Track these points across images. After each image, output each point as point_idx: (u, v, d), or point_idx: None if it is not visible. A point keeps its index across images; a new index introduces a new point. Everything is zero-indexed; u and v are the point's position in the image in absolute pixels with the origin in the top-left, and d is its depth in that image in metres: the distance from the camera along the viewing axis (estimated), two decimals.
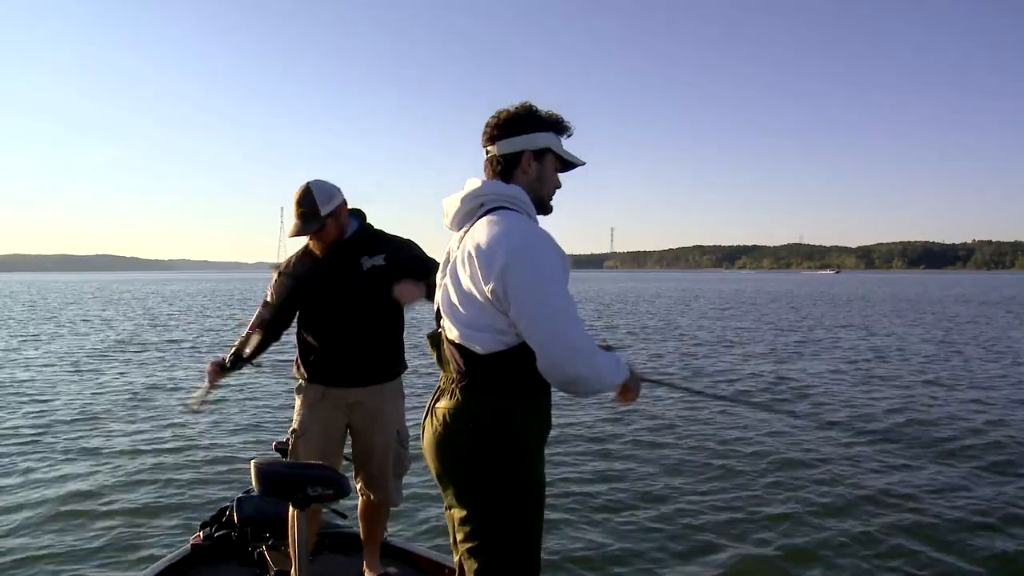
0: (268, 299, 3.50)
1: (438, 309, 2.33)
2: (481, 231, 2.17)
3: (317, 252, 3.40)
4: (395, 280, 3.27)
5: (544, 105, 2.37)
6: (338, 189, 3.32)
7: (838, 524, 5.40)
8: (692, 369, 13.80)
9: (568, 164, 2.39)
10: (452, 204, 2.32)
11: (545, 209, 2.36)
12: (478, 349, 2.16)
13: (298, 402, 3.47)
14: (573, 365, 2.07)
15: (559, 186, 2.38)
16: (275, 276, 3.54)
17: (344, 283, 3.34)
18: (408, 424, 3.54)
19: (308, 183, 3.26)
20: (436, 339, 2.32)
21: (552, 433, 2.34)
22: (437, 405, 2.27)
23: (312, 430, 3.40)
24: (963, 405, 9.91)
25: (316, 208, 3.20)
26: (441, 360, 2.30)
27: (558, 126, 2.33)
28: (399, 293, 3.22)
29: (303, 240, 3.46)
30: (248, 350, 3.49)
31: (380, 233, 3.46)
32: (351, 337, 3.36)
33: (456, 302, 2.20)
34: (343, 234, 3.34)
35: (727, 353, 16.27)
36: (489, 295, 2.10)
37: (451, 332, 2.23)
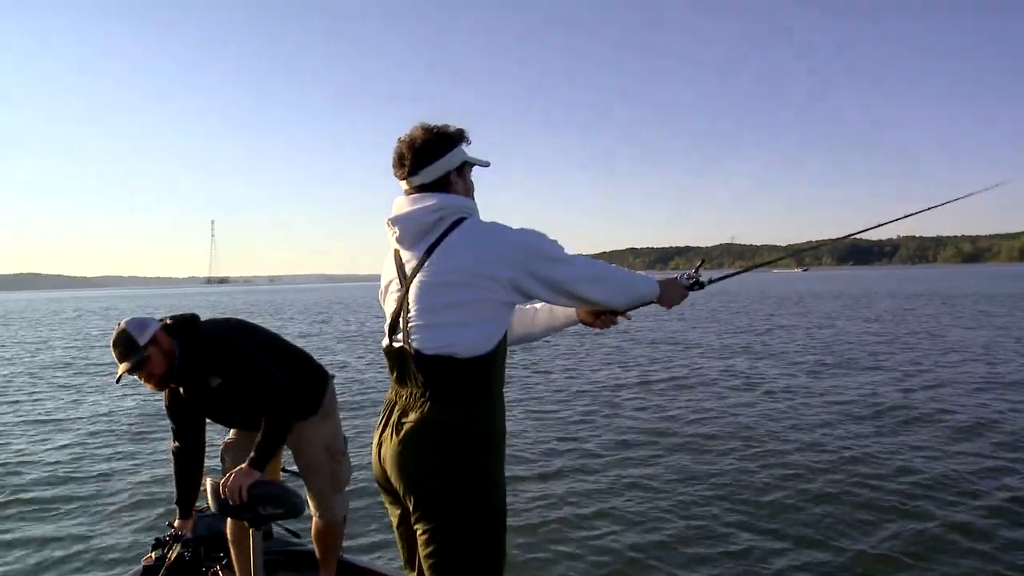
0: (173, 429, 3.48)
1: (395, 323, 2.34)
2: (467, 236, 2.26)
3: (160, 389, 3.31)
4: (240, 393, 3.23)
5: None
6: (152, 320, 3.21)
7: (837, 513, 5.53)
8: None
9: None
10: (406, 221, 2.32)
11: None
12: (459, 351, 2.20)
13: None
14: (613, 280, 2.40)
15: (474, 188, 2.47)
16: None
17: (205, 403, 3.36)
18: (349, 432, 3.54)
19: (120, 322, 3.17)
20: (398, 353, 2.31)
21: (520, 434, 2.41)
22: (404, 419, 2.26)
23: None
24: None
25: (133, 340, 3.10)
26: (404, 374, 2.29)
27: (462, 138, 2.39)
28: (226, 491, 3.02)
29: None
30: (175, 493, 3.49)
31: (204, 346, 3.25)
32: (245, 423, 3.43)
33: (436, 308, 2.23)
34: (173, 357, 3.19)
35: None
36: (501, 286, 2.23)
37: (424, 341, 2.24)
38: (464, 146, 2.41)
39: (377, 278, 2.55)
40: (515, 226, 2.32)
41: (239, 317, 3.57)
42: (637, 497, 6.11)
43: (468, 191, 2.42)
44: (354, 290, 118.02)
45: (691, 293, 2.64)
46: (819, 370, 13.11)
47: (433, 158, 2.33)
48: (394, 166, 2.38)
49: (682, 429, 8.60)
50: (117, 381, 3.22)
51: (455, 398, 2.21)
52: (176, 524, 3.51)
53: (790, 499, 5.92)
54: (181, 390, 3.32)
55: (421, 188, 2.34)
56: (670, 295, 2.57)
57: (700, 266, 2.69)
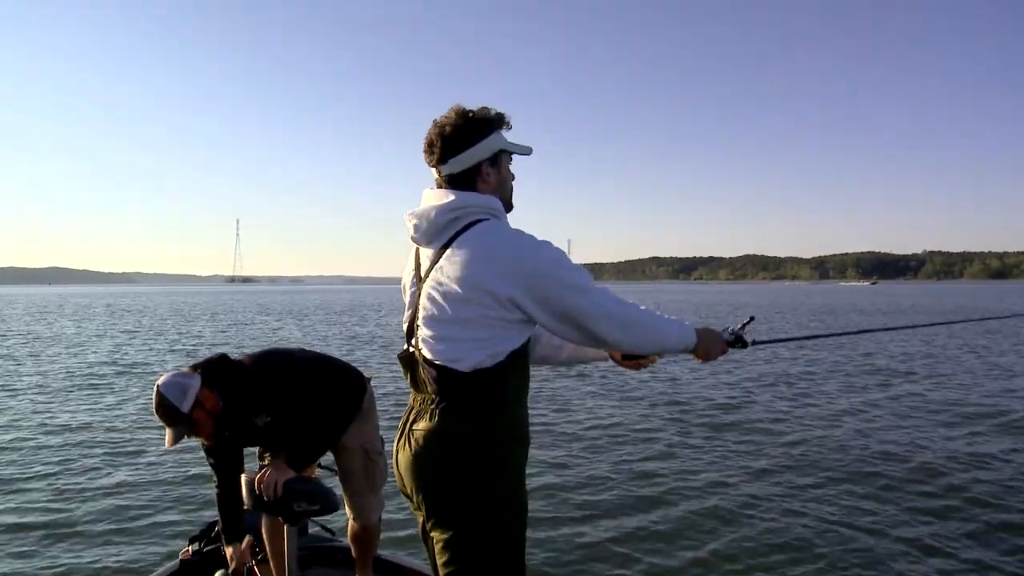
0: (211, 463, 3.45)
1: (411, 328, 2.27)
2: (473, 244, 2.11)
3: (209, 442, 3.28)
4: (292, 425, 3.21)
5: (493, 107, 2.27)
6: (191, 377, 3.08)
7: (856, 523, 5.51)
8: None
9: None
10: (423, 218, 2.21)
11: (509, 206, 2.31)
12: (462, 367, 2.12)
13: None
14: (631, 326, 2.13)
15: (514, 178, 2.33)
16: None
17: (251, 440, 3.35)
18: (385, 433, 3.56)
19: (158, 388, 3.03)
20: (409, 360, 2.27)
21: (541, 442, 2.35)
22: (414, 427, 2.21)
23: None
24: None
25: (176, 409, 3.01)
26: (416, 381, 2.25)
27: (500, 123, 2.24)
28: (261, 487, 3.05)
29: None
30: (220, 523, 3.48)
31: (249, 392, 3.18)
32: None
33: (442, 320, 2.14)
34: (219, 411, 3.12)
35: None
36: (503, 303, 2.07)
37: (430, 351, 2.17)
38: (504, 132, 2.27)
39: (397, 281, 2.45)
40: (540, 237, 2.16)
41: (280, 346, 3.53)
42: (672, 517, 6.00)
43: (502, 183, 2.27)
44: (378, 292, 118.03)
45: (731, 350, 2.42)
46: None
47: (463, 146, 2.19)
48: (424, 152, 2.25)
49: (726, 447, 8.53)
50: (170, 446, 3.10)
51: (463, 410, 2.14)
52: (228, 552, 3.45)
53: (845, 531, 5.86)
54: (228, 434, 3.27)
55: (450, 178, 2.22)
56: (707, 347, 2.32)
57: (748, 323, 2.51)
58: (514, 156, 2.34)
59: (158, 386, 3.05)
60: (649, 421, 9.67)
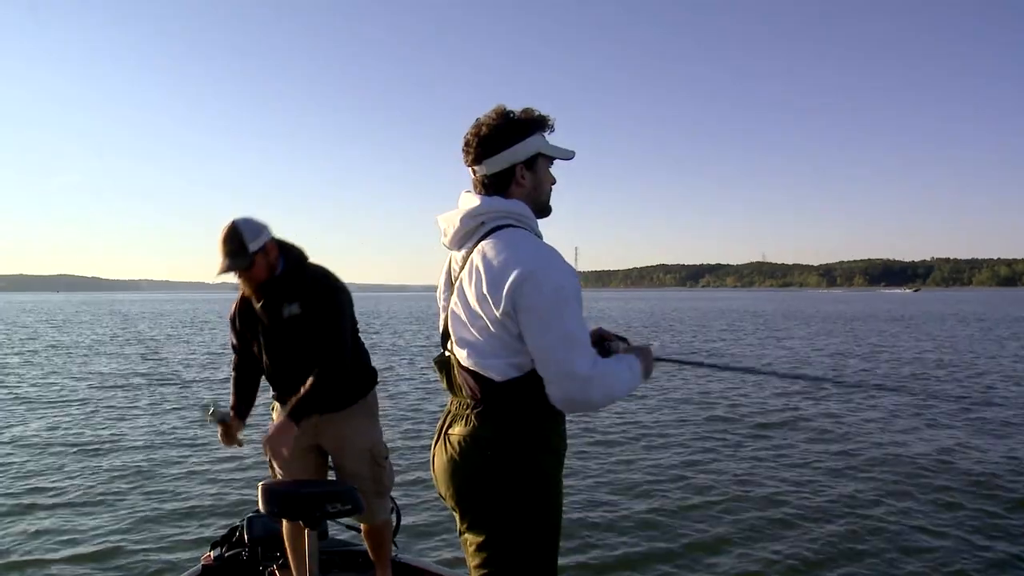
0: (232, 343, 3.54)
1: (445, 332, 2.27)
2: (488, 252, 2.09)
3: (246, 293, 3.31)
4: (310, 329, 3.22)
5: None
6: (266, 226, 3.16)
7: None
8: None
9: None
10: (450, 223, 2.22)
11: (545, 212, 2.27)
12: (494, 376, 2.10)
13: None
14: (582, 395, 2.05)
15: (554, 183, 2.28)
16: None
17: (267, 331, 3.33)
18: (401, 437, 3.55)
19: (234, 220, 3.09)
20: (445, 364, 2.27)
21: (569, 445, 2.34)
22: (450, 431, 2.21)
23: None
24: None
25: (244, 245, 3.06)
26: (452, 385, 2.25)
27: (542, 125, 2.19)
28: (267, 444, 3.04)
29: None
30: (232, 400, 3.53)
31: (304, 272, 3.26)
32: (287, 376, 3.32)
33: (467, 327, 2.14)
34: (273, 272, 3.18)
35: None
36: (502, 318, 2.04)
37: (464, 358, 2.16)
38: (546, 135, 2.22)
39: (405, 288, 2.38)
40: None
41: None
42: (712, 526, 5.92)
43: (538, 186, 2.22)
44: (389, 300, 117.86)
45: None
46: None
47: (500, 147, 2.14)
48: (462, 150, 2.21)
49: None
50: (218, 275, 3.11)
51: (497, 417, 2.12)
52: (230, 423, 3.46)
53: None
54: (259, 305, 3.28)
55: (485, 179, 2.19)
56: (647, 368, 2.29)
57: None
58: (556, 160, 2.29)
59: (234, 220, 3.10)
60: (685, 424, 9.57)
